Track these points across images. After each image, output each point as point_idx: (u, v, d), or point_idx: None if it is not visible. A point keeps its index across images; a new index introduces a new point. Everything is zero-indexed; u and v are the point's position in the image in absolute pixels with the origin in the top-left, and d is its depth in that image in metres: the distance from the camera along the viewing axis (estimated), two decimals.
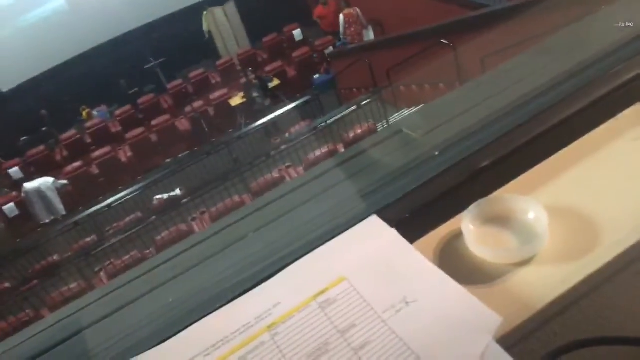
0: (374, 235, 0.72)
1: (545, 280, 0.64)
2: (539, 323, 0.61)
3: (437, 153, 0.86)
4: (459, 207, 0.73)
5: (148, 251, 5.51)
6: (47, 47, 9.58)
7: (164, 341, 0.68)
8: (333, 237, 0.75)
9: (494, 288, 0.64)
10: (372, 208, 0.77)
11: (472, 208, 0.72)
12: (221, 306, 0.71)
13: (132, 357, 0.67)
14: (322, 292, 0.67)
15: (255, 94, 8.24)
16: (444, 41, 5.79)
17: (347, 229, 0.76)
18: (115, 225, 6.36)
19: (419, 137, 0.94)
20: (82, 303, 0.83)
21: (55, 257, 5.97)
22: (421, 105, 6.30)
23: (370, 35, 8.82)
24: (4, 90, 9.75)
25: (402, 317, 0.60)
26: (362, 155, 0.95)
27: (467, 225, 0.70)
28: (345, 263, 0.69)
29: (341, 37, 9.09)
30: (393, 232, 0.71)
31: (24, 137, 9.44)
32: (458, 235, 0.71)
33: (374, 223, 0.74)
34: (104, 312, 0.80)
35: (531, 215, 0.70)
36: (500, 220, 0.72)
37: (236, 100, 8.62)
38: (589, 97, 0.81)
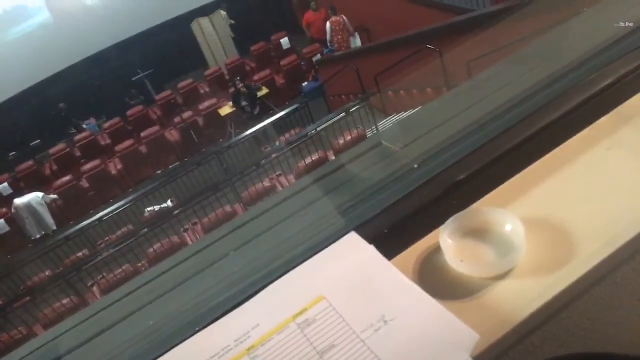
0: (353, 252, 0.72)
1: (523, 293, 0.63)
2: (517, 337, 0.61)
3: (415, 165, 0.86)
4: (437, 221, 0.73)
5: (140, 264, 5.48)
6: (33, 61, 9.52)
7: None
8: (313, 255, 0.74)
9: (472, 302, 0.64)
10: (351, 224, 0.77)
11: (450, 222, 0.71)
12: (201, 329, 0.71)
13: None
14: (301, 312, 0.66)
15: (244, 103, 8.24)
16: (430, 46, 5.83)
17: (327, 245, 0.75)
18: (106, 238, 6.32)
19: (397, 149, 0.94)
20: (61, 328, 0.82)
21: (47, 273, 5.91)
22: (406, 112, 6.33)
23: (357, 42, 8.88)
24: None
25: (381, 336, 0.60)
26: (342, 169, 0.95)
27: (445, 239, 0.70)
28: (324, 281, 0.69)
29: (328, 44, 9.12)
30: (371, 249, 0.71)
31: (12, 153, 9.37)
32: (436, 249, 0.71)
33: (353, 240, 0.73)
34: (84, 337, 0.79)
35: (508, 228, 0.70)
36: (477, 233, 0.72)
37: (225, 110, 8.61)
38: (563, 106, 0.82)
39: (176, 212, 5.92)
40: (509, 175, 0.79)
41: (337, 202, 0.85)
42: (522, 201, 0.75)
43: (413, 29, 6.50)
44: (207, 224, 5.54)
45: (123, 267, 5.28)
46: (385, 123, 6.78)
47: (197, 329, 0.71)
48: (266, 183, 5.86)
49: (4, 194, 8.31)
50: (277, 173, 6.27)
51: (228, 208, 5.64)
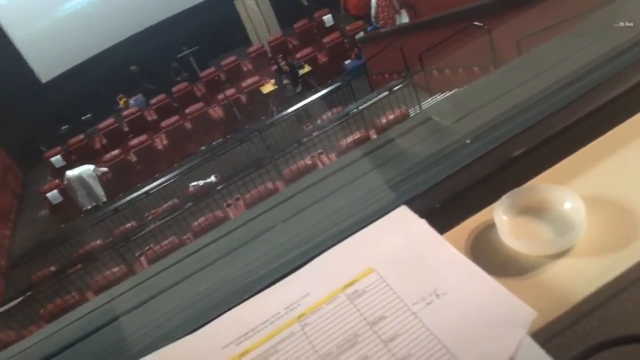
0: (403, 226, 0.71)
1: (582, 273, 0.61)
2: (575, 317, 0.59)
3: (468, 141, 0.84)
4: (491, 197, 0.71)
5: (186, 237, 5.64)
6: (84, 37, 9.82)
7: (196, 330, 0.70)
8: (361, 228, 0.74)
9: (527, 281, 0.63)
10: (401, 198, 0.76)
11: (505, 198, 0.69)
12: (251, 296, 0.72)
13: (164, 345, 0.69)
14: (351, 283, 0.66)
15: (286, 81, 8.25)
16: (477, 23, 5.63)
17: (376, 219, 0.75)
18: (153, 211, 6.53)
19: (449, 124, 0.91)
20: (116, 292, 0.85)
21: (98, 242, 6.18)
22: (451, 92, 6.18)
23: (403, 19, 8.65)
24: (44, 80, 10.07)
25: (433, 309, 0.59)
26: (391, 144, 0.93)
27: (500, 215, 0.68)
28: (374, 254, 0.69)
29: (372, 21, 8.96)
30: (423, 223, 0.70)
31: (65, 126, 9.75)
32: (490, 226, 0.70)
33: (403, 213, 0.73)
34: (137, 301, 0.82)
35: (567, 206, 0.67)
36: (534, 210, 0.70)
37: (268, 88, 8.65)
38: (628, 81, 0.77)
39: (219, 187, 6.04)
40: (568, 152, 0.76)
41: (387, 176, 0.84)
42: (581, 179, 0.72)
43: (461, 5, 6.28)
44: (249, 200, 5.64)
45: (169, 239, 5.46)
46: (429, 102, 6.65)
47: (246, 296, 0.73)
48: (307, 161, 5.89)
49: (57, 166, 8.69)
50: (318, 151, 6.28)
51: (270, 185, 5.70)
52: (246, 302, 0.71)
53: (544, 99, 0.86)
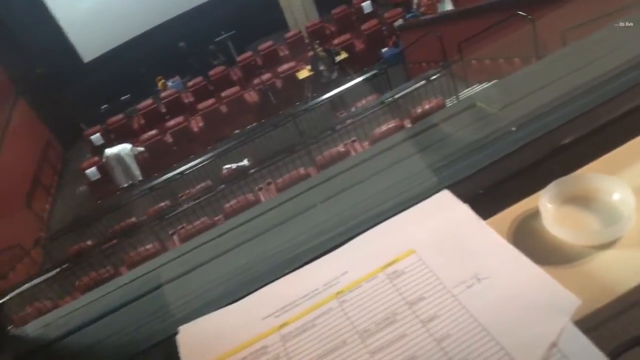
0: (445, 210, 0.71)
1: (629, 265, 0.60)
2: (620, 308, 0.58)
3: (514, 128, 0.83)
4: (536, 186, 0.70)
5: (217, 218, 5.74)
6: (125, 19, 10.01)
7: (236, 301, 0.72)
8: (402, 210, 0.74)
9: (571, 270, 0.62)
10: (443, 182, 0.76)
11: (552, 186, 0.68)
12: (290, 272, 0.73)
13: (206, 313, 0.71)
14: (391, 263, 0.67)
15: (322, 67, 8.23)
16: (521, 13, 5.48)
17: (417, 202, 0.75)
18: (187, 191, 6.66)
19: (494, 111, 0.90)
20: (161, 261, 0.88)
21: (133, 219, 6.35)
22: (482, 86, 6.06)
23: (446, 6, 8.46)
24: (86, 60, 10.33)
25: (474, 293, 0.59)
26: (434, 129, 0.93)
27: (545, 204, 0.67)
28: (415, 236, 0.69)
29: (414, 7, 8.82)
30: (465, 208, 0.70)
31: (105, 106, 10.01)
32: (534, 214, 0.69)
33: (446, 198, 0.73)
34: (181, 270, 0.85)
35: (616, 197, 0.66)
36: (581, 200, 0.69)
37: (303, 73, 8.64)
38: None
39: (252, 171, 6.11)
40: (618, 143, 0.74)
41: (430, 160, 0.84)
42: (631, 170, 0.70)
43: None
44: (281, 184, 5.68)
45: (201, 220, 5.56)
46: (466, 93, 6.53)
47: (286, 271, 0.74)
48: (340, 148, 5.88)
49: (96, 144, 8.93)
50: (352, 139, 6.26)
51: (302, 170, 5.73)
52: (286, 277, 0.72)
53: (594, 88, 0.84)
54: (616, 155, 0.73)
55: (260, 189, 6.27)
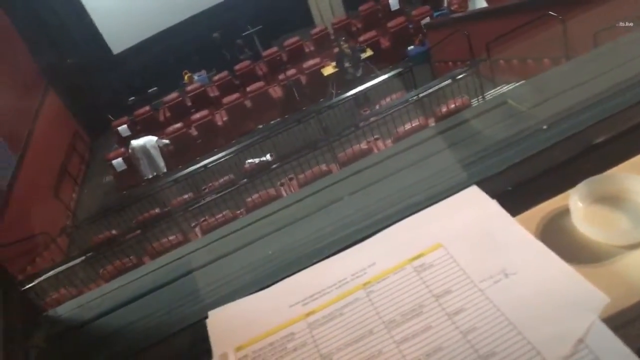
0: (474, 206, 0.71)
1: None
2: None
3: (545, 127, 0.82)
4: (566, 184, 0.70)
5: (239, 211, 5.80)
6: (155, 12, 10.14)
7: (264, 288, 0.73)
8: (430, 205, 0.75)
9: (601, 269, 0.62)
10: (472, 178, 0.77)
11: (582, 185, 0.68)
12: (318, 261, 0.75)
13: (234, 299, 0.73)
14: (418, 256, 0.68)
15: (347, 64, 8.21)
16: (552, 13, 5.38)
17: (446, 197, 0.75)
18: (210, 184, 6.74)
19: (525, 109, 0.90)
20: (189, 248, 0.91)
21: (157, 211, 6.46)
22: (510, 87, 5.97)
23: (476, 5, 8.31)
24: (115, 52, 10.51)
25: (501, 287, 0.60)
26: (463, 125, 0.93)
27: (576, 202, 0.67)
28: (442, 230, 0.70)
29: (444, 6, 8.73)
30: (494, 204, 0.70)
31: (132, 98, 10.18)
32: (564, 212, 0.69)
33: (474, 193, 0.73)
34: (209, 258, 0.87)
35: None
36: (612, 200, 0.68)
37: (328, 70, 8.65)
38: None
39: (274, 166, 6.15)
40: None
41: (459, 156, 0.84)
42: None
43: None
44: (303, 180, 5.71)
45: (223, 213, 5.62)
46: (493, 93, 6.45)
47: (313, 261, 0.75)
48: (363, 146, 5.87)
49: (123, 135, 9.10)
50: (375, 137, 6.25)
51: (324, 167, 5.75)
52: (313, 267, 0.74)
53: (627, 88, 0.83)
54: None
55: (282, 184, 6.30)
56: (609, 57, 0.99)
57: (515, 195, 0.73)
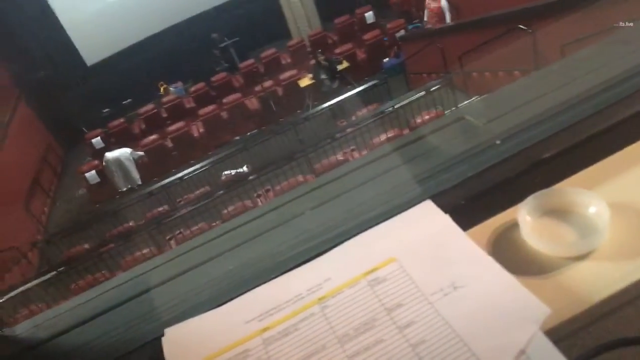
0: (427, 220, 0.73)
1: (601, 277, 0.62)
2: (591, 319, 0.60)
3: (498, 142, 0.85)
4: (516, 198, 0.72)
5: (215, 223, 5.75)
6: (130, 23, 10.08)
7: (222, 304, 0.73)
8: (386, 219, 0.76)
9: (546, 280, 0.64)
10: (427, 193, 0.78)
11: (531, 199, 0.70)
12: (276, 277, 0.75)
13: (192, 316, 0.72)
14: (372, 270, 0.69)
15: (323, 76, 8.27)
16: (522, 27, 5.52)
17: (402, 211, 0.77)
18: (185, 197, 6.67)
19: (481, 124, 0.92)
20: (149, 265, 0.90)
21: (131, 224, 6.37)
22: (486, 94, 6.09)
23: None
24: (89, 64, 10.39)
25: (450, 300, 0.61)
26: (422, 141, 0.95)
27: (524, 216, 0.69)
28: (397, 244, 0.71)
29: (423, 21, 8.87)
30: (446, 218, 0.72)
31: (106, 109, 10.05)
32: (514, 225, 0.71)
33: (428, 208, 0.74)
34: (170, 274, 0.87)
35: (592, 210, 0.68)
36: (559, 213, 0.71)
37: (305, 82, 8.69)
38: None
39: (251, 177, 6.13)
40: (597, 158, 0.76)
41: (415, 171, 0.86)
42: (609, 186, 0.72)
43: (505, 7, 6.17)
44: (279, 192, 5.70)
45: (199, 225, 5.57)
46: (466, 105, 6.56)
47: (272, 276, 0.76)
48: (339, 157, 5.90)
49: (97, 147, 8.97)
50: (351, 148, 6.29)
51: (300, 178, 5.75)
52: (271, 282, 0.74)
53: (577, 104, 0.87)
54: (595, 170, 0.75)
55: (258, 195, 6.28)
56: (560, 73, 1.03)
57: (468, 209, 0.75)
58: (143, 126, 9.48)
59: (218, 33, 10.01)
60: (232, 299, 0.74)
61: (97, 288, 0.92)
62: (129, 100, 10.09)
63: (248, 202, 5.69)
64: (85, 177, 8.37)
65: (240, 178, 6.40)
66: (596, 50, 1.09)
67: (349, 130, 6.26)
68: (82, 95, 9.87)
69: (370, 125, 6.16)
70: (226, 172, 6.86)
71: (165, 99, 9.62)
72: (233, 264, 0.84)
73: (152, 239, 5.87)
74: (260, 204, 6.00)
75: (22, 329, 0.87)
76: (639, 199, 0.69)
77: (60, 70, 9.93)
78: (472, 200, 0.76)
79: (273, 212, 0.95)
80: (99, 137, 9.10)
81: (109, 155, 8.03)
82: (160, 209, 6.44)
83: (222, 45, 10.17)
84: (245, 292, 0.75)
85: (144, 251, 5.58)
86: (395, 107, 6.14)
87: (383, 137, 5.75)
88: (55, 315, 0.86)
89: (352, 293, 0.67)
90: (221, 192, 5.95)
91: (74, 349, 0.79)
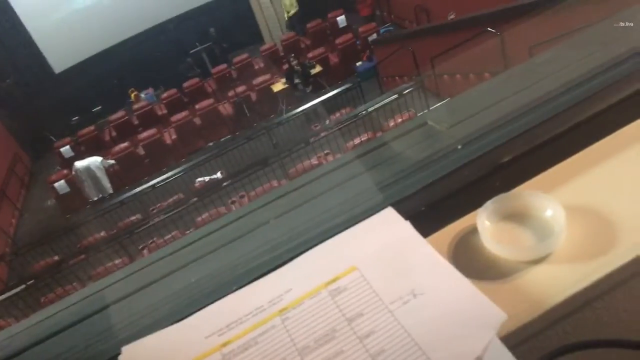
0: (388, 227, 0.72)
1: (559, 279, 0.63)
2: (548, 322, 0.61)
3: (459, 147, 0.85)
4: (477, 203, 0.73)
5: (188, 232, 5.68)
6: (98, 30, 9.92)
7: (182, 319, 0.71)
8: (348, 227, 0.76)
9: (505, 285, 0.64)
10: (389, 200, 0.78)
11: (489, 204, 0.71)
12: (238, 289, 0.74)
13: (151, 333, 0.70)
14: (333, 280, 0.68)
15: (297, 81, 8.28)
16: (490, 29, 5.63)
17: (363, 219, 0.76)
18: (158, 205, 6.58)
19: (443, 129, 0.93)
20: (111, 279, 0.88)
21: (102, 234, 6.24)
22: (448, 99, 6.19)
23: None
24: (57, 71, 10.17)
25: (409, 308, 0.61)
26: (385, 147, 0.95)
27: (483, 221, 0.70)
28: (358, 253, 0.70)
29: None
30: (407, 225, 0.72)
31: (75, 117, 9.85)
32: (474, 230, 0.71)
33: (389, 215, 0.74)
34: (130, 289, 0.84)
35: (549, 213, 0.69)
36: (517, 217, 0.71)
37: (278, 86, 8.68)
38: (618, 94, 0.79)
39: (225, 184, 6.08)
40: (553, 162, 0.77)
41: (377, 178, 0.85)
42: (565, 188, 0.73)
43: (474, 11, 6.28)
44: (254, 198, 5.67)
45: (172, 234, 5.50)
46: (430, 110, 6.64)
47: (234, 288, 0.74)
48: (314, 161, 5.91)
49: (66, 156, 8.78)
50: (325, 152, 6.30)
51: (275, 183, 5.73)
52: (232, 295, 0.73)
53: (535, 107, 0.88)
54: (553, 173, 0.76)
55: (233, 202, 6.23)
56: (520, 77, 1.04)
57: (429, 215, 0.75)
58: (114, 134, 9.33)
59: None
60: (192, 313, 0.73)
61: (55, 305, 0.89)
62: (98, 107, 9.93)
63: (222, 209, 5.64)
64: (54, 187, 8.17)
65: (214, 184, 6.35)
66: (556, 53, 1.11)
67: (322, 134, 6.27)
68: (50, 103, 9.66)
69: (344, 129, 6.18)
70: (200, 179, 6.80)
71: (136, 106, 9.48)
72: (195, 276, 0.82)
73: (124, 249, 5.76)
74: (234, 210, 5.95)
75: None
76: (595, 200, 0.70)
77: (27, 78, 9.71)
78: (433, 206, 0.76)
79: (238, 222, 0.93)
80: (68, 146, 8.91)
81: (79, 164, 7.87)
82: (133, 217, 6.33)
83: (194, 51, 10.08)
84: (206, 305, 0.73)
85: (116, 262, 5.48)
86: (369, 110, 6.18)
87: (357, 140, 5.77)
88: (9, 335, 0.82)
89: (313, 304, 0.66)
90: (195, 199, 5.89)
91: None
